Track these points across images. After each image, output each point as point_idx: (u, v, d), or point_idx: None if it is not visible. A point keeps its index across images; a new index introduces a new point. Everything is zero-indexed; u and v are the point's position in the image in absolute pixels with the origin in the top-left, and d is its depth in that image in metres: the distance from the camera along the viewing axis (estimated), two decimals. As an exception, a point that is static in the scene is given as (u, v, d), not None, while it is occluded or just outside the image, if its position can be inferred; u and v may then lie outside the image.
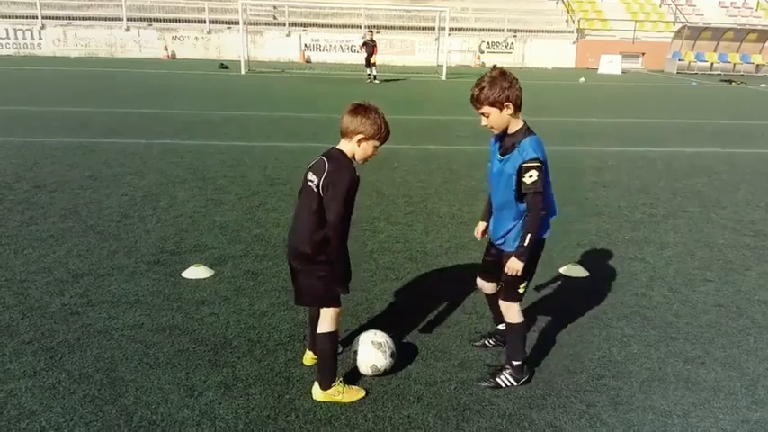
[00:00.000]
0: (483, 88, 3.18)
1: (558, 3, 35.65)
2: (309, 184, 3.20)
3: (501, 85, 3.15)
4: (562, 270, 5.22)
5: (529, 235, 3.24)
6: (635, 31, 33.69)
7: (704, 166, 9.77)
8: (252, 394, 3.33)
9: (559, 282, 5.03)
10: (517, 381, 3.50)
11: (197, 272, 4.86)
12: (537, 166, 3.17)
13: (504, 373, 3.52)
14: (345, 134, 3.26)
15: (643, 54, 34.12)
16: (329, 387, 3.29)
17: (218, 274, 4.90)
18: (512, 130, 3.27)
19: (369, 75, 21.46)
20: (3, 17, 28.30)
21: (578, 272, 5.17)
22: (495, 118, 3.22)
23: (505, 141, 3.31)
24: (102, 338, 3.85)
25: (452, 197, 7.46)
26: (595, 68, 30.96)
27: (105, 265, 4.98)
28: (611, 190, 8.01)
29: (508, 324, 3.55)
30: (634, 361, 3.84)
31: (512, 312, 3.49)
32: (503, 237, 3.44)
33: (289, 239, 3.35)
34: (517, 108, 3.23)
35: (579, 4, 35.51)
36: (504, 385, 3.48)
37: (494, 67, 3.33)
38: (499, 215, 3.45)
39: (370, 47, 21.35)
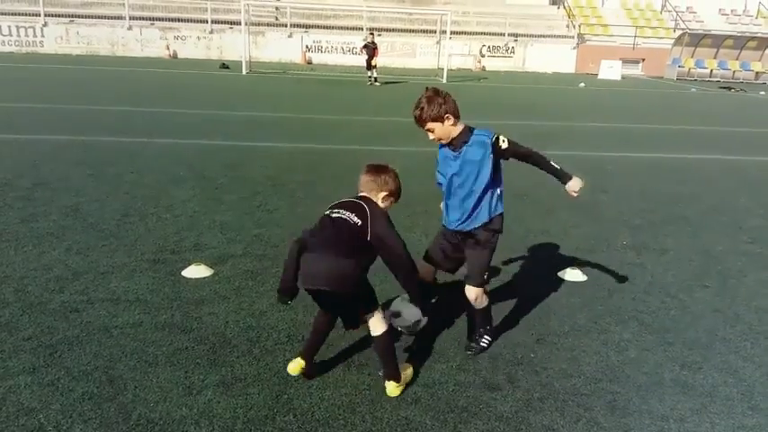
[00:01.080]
0: (423, 108, 3.54)
1: (559, 8, 35.71)
2: (349, 221, 3.29)
3: (437, 102, 3.52)
4: (561, 274, 5.22)
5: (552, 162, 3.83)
6: (635, 37, 33.76)
7: (703, 172, 9.79)
8: (250, 394, 3.33)
9: (558, 286, 5.04)
10: (491, 339, 3.98)
11: (197, 271, 4.86)
12: (500, 134, 3.63)
13: (482, 337, 3.93)
14: (370, 191, 3.51)
15: (643, 60, 34.19)
16: (399, 378, 3.40)
17: (218, 274, 4.90)
18: (455, 134, 3.63)
19: (370, 77, 21.47)
20: (5, 14, 28.28)
21: (577, 276, 5.18)
22: (440, 131, 3.58)
23: (454, 143, 3.64)
24: (101, 336, 3.85)
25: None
26: (595, 74, 31.01)
27: (105, 263, 4.98)
28: (610, 195, 8.02)
29: (478, 310, 3.84)
30: (631, 366, 3.85)
31: (480, 297, 3.78)
32: (469, 218, 3.72)
33: (321, 270, 3.17)
34: (456, 117, 3.60)
35: (580, 9, 35.57)
36: (486, 345, 3.92)
37: (426, 88, 3.66)
38: (464, 204, 3.71)
39: (370, 49, 21.36)
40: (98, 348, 3.70)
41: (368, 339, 3.94)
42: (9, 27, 28.04)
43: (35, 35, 28.40)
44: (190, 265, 4.95)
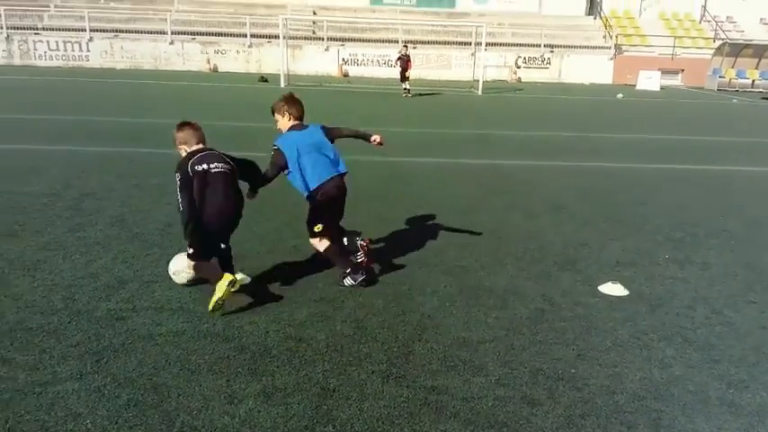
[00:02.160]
0: (273, 106, 5.16)
1: (595, 18, 35.32)
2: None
3: (282, 105, 5.06)
4: (601, 288, 5.12)
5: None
6: (674, 47, 33.14)
7: (746, 184, 9.52)
8: (290, 404, 3.34)
9: (598, 300, 4.94)
10: (355, 280, 4.90)
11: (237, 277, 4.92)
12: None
13: (343, 278, 4.94)
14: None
15: (682, 71, 33.53)
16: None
17: (258, 283, 4.94)
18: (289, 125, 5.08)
19: (405, 89, 21.52)
20: (53, 29, 29.26)
21: (618, 290, 5.06)
22: (280, 123, 5.12)
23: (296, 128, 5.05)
24: (145, 344, 3.92)
25: (488, 211, 7.40)
26: (633, 84, 30.51)
27: (150, 272, 5.07)
28: (650, 207, 7.85)
29: (324, 254, 5.05)
30: (676, 383, 3.74)
31: (317, 244, 5.02)
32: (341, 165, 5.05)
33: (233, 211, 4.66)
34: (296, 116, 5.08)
35: (617, 20, 35.11)
36: (348, 285, 4.91)
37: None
38: (326, 159, 4.98)
39: (404, 61, 21.44)
40: (142, 356, 3.77)
41: (406, 353, 3.93)
42: (57, 42, 29.01)
43: (81, 50, 29.30)
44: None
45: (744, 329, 4.52)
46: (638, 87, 29.95)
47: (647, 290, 5.18)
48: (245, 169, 4.87)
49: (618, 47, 33.04)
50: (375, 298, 4.78)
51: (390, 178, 8.98)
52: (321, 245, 5.01)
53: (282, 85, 23.64)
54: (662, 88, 30.07)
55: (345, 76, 30.27)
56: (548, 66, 32.40)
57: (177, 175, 4.48)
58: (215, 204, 4.47)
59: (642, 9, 36.08)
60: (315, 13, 31.83)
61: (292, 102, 5.05)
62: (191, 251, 4.51)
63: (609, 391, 3.62)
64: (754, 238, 6.72)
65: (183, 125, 4.84)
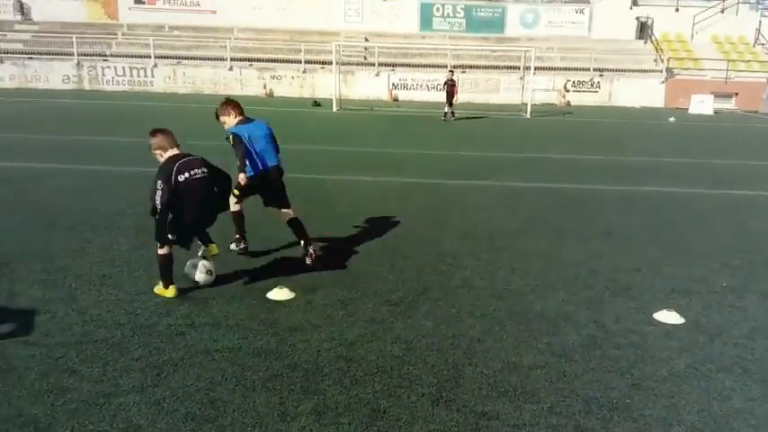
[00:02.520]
0: (217, 111, 5.99)
1: (646, 42, 34.63)
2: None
3: (224, 108, 5.92)
4: (656, 316, 4.94)
5: None
6: (727, 70, 32.14)
7: (808, 211, 9.08)
8: (341, 423, 3.33)
9: (654, 328, 4.76)
10: (237, 247, 6.09)
11: (280, 293, 5.04)
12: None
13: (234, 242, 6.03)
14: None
15: (736, 94, 32.40)
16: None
17: (310, 302, 4.98)
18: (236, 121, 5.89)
19: (446, 113, 21.39)
20: (121, 56, 30.60)
21: (674, 318, 4.87)
22: (228, 121, 5.89)
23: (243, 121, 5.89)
24: (203, 359, 3.98)
25: (537, 235, 7.27)
26: (686, 108, 29.66)
27: (208, 290, 5.16)
28: (707, 233, 7.56)
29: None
30: (736, 416, 3.56)
31: (233, 207, 5.93)
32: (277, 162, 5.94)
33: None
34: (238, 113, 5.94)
35: (668, 43, 34.33)
36: (232, 248, 6.05)
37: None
38: (270, 153, 5.89)
39: (450, 86, 21.43)
40: (200, 371, 3.83)
41: (456, 376, 3.88)
42: (123, 68, 30.29)
43: (146, 75, 30.48)
44: (274, 288, 5.11)
45: (808, 362, 4.27)
46: (690, 111, 29.09)
47: (704, 318, 4.97)
48: (217, 182, 5.25)
49: (669, 70, 32.26)
50: (424, 320, 4.74)
51: (439, 201, 8.95)
52: (234, 207, 5.96)
53: (334, 109, 23.98)
54: (715, 112, 29.13)
55: (395, 100, 30.48)
56: (597, 89, 31.86)
57: (159, 182, 4.77)
58: (193, 212, 4.96)
59: (694, 32, 35.19)
60: (367, 40, 32.27)
61: (232, 102, 5.95)
62: (160, 247, 4.94)
63: (666, 422, 3.47)
64: (817, 267, 6.38)
65: (156, 132, 5.22)
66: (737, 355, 4.36)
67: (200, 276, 5.21)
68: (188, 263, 5.28)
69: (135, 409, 3.39)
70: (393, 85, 30.92)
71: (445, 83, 21.78)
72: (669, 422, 3.47)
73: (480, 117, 22.97)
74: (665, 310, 4.96)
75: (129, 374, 3.76)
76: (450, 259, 6.24)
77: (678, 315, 4.91)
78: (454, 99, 21.36)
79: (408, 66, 31.59)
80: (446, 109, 21.45)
